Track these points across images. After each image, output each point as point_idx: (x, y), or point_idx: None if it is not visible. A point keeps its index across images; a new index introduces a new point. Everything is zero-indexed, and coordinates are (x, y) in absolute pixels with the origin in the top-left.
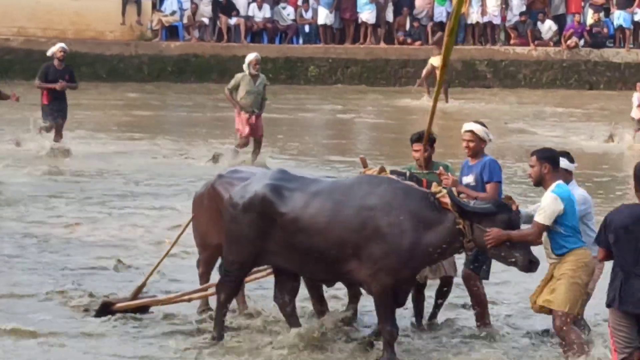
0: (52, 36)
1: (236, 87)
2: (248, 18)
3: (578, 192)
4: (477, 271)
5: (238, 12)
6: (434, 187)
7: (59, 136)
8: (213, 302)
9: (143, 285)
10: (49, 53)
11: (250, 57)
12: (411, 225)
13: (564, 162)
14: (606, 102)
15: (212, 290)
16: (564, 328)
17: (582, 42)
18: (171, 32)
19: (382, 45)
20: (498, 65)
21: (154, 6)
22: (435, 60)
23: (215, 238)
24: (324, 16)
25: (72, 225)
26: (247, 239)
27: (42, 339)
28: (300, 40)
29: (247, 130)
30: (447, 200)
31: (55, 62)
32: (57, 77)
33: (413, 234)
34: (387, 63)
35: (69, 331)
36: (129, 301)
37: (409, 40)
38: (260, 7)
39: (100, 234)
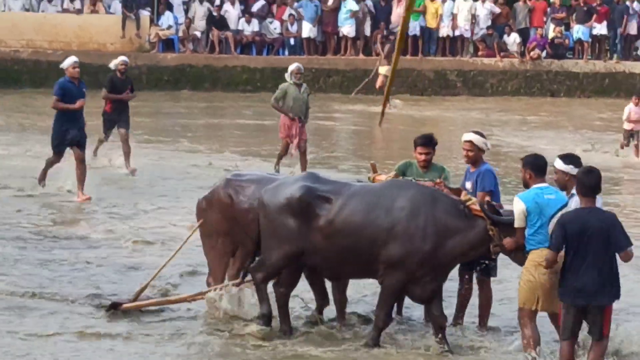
0: (57, 48)
1: (282, 97)
2: (238, 32)
3: (559, 193)
4: (487, 274)
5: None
6: (463, 196)
7: (126, 146)
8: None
9: (146, 286)
10: (111, 66)
11: (292, 67)
12: (434, 230)
13: (568, 167)
14: (568, 109)
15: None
16: (521, 322)
17: (544, 53)
18: (167, 44)
19: (361, 56)
20: (467, 75)
21: (151, 21)
22: (384, 70)
23: (230, 239)
24: (308, 30)
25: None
26: (283, 238)
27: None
28: (286, 52)
29: (294, 136)
30: (477, 207)
31: (118, 74)
32: (122, 88)
33: (435, 238)
34: (365, 73)
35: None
36: (133, 302)
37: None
38: (249, 22)
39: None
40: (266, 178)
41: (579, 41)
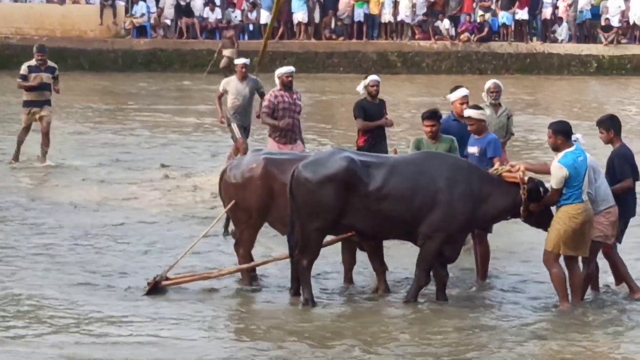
0: (43, 35)
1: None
2: (203, 19)
3: (584, 154)
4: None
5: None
6: (497, 165)
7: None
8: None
9: (175, 264)
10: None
11: (489, 84)
12: (472, 197)
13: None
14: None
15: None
16: (548, 263)
17: (473, 37)
18: (141, 31)
19: (312, 40)
20: (406, 56)
21: (126, 10)
22: (228, 52)
23: (266, 215)
24: (266, 17)
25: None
26: (328, 207)
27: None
28: (246, 37)
29: None
30: (508, 175)
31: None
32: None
33: (473, 204)
34: (316, 55)
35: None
36: (167, 279)
37: (333, 37)
38: (212, 10)
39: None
40: (299, 155)
41: (504, 25)
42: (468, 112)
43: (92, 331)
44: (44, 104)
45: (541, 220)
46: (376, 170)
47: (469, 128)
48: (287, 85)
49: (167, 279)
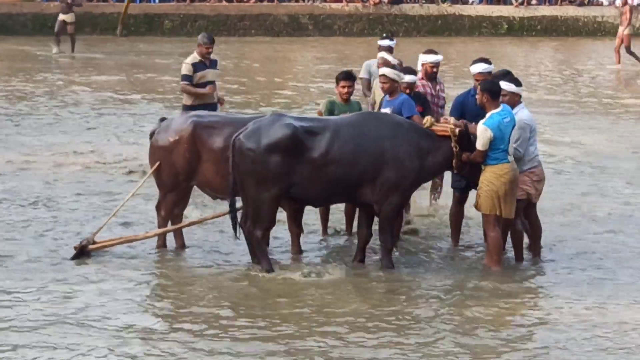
0: None
1: None
2: None
3: (521, 115)
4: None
5: None
6: (427, 121)
7: None
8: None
9: (102, 227)
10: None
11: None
12: (417, 152)
13: (508, 86)
14: (408, 47)
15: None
16: (487, 226)
17: None
18: None
19: (224, 3)
20: (317, 19)
21: None
22: (66, 17)
23: (192, 179)
24: None
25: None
26: (275, 176)
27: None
28: (157, 0)
29: None
30: (439, 129)
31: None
32: None
33: (418, 159)
34: (228, 18)
35: None
36: (94, 242)
37: None
38: None
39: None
40: (229, 118)
41: None
42: (383, 70)
43: None
44: None
45: (474, 172)
46: (319, 135)
47: (381, 86)
48: (430, 76)
49: (93, 242)
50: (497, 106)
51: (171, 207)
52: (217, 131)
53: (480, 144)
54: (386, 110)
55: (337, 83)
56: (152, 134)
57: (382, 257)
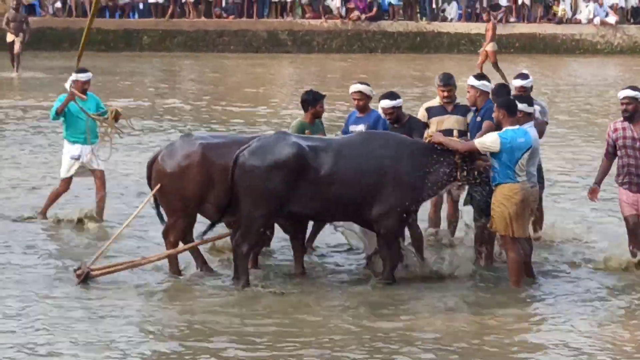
0: None
1: None
2: None
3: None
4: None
5: None
6: (427, 136)
7: None
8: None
9: (99, 254)
10: None
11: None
12: (418, 170)
13: (522, 106)
14: (385, 64)
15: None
16: (505, 247)
17: (363, 16)
18: (30, 9)
19: (203, 19)
20: (296, 35)
21: None
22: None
23: (203, 203)
24: None
25: None
26: (275, 194)
27: None
28: (136, 15)
29: None
30: (436, 142)
31: None
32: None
33: (420, 177)
34: (207, 34)
35: None
36: (96, 267)
37: (225, 15)
38: None
39: None
40: (234, 138)
41: (391, 5)
42: (358, 87)
43: None
44: None
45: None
46: (323, 155)
47: (355, 103)
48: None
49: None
50: (513, 123)
51: (181, 234)
52: (225, 151)
53: (479, 143)
54: (358, 127)
55: (316, 103)
56: (150, 163)
57: (383, 271)
